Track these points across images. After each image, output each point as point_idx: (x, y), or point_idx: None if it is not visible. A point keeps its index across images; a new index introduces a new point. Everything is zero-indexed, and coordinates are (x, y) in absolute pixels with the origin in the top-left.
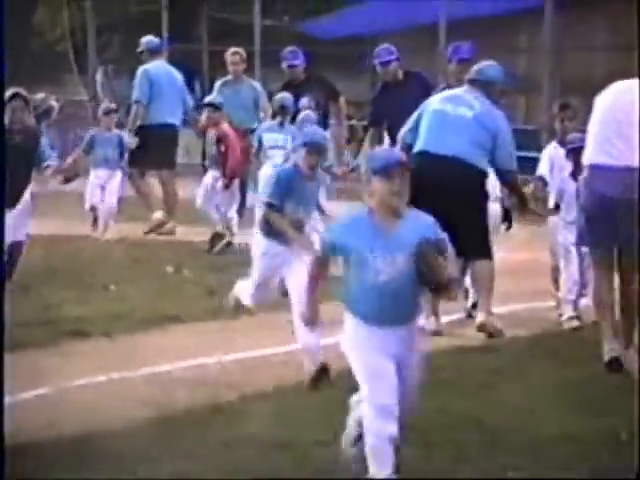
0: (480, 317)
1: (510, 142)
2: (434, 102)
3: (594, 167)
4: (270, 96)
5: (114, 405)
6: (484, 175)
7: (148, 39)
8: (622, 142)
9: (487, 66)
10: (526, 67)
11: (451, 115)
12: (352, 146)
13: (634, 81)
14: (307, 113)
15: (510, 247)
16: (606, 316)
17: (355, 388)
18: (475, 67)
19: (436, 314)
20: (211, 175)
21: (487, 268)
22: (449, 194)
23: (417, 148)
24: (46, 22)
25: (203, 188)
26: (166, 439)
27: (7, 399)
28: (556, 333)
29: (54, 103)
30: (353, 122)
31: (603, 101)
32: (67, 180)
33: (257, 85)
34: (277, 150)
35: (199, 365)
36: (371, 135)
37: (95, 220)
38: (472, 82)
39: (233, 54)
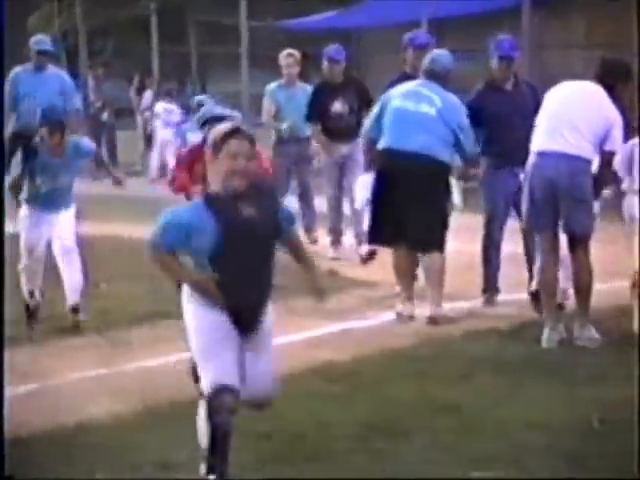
0: (431, 311)
1: (470, 129)
2: (394, 98)
3: (543, 154)
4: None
5: (104, 399)
6: (448, 169)
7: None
8: (572, 134)
9: (440, 55)
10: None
11: (414, 113)
12: None
13: (585, 82)
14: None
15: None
16: (549, 301)
17: (332, 379)
18: (428, 57)
19: (410, 299)
20: None
21: (439, 261)
22: (414, 188)
23: (383, 145)
24: (39, 27)
25: None
26: (153, 430)
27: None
28: (536, 322)
29: None
30: None
31: (555, 96)
32: None
33: (310, 89)
34: None
35: (187, 359)
36: None
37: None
38: (428, 73)
39: (287, 56)
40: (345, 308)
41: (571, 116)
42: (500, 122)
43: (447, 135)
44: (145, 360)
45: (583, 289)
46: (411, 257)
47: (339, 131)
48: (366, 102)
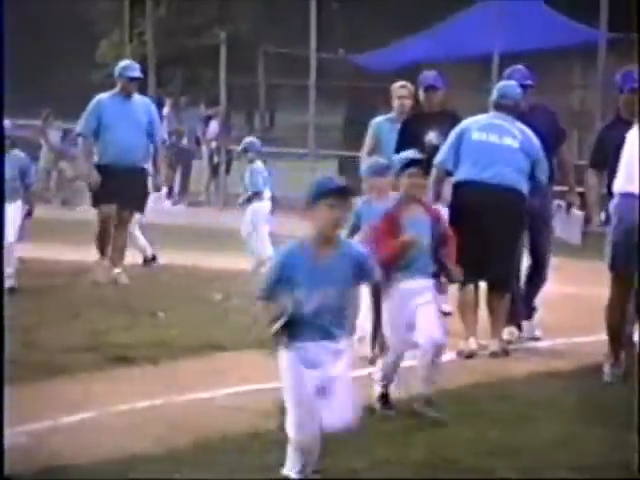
0: (493, 346)
1: (544, 160)
2: (473, 131)
3: (624, 195)
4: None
5: (156, 429)
6: (526, 202)
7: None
8: None
9: (510, 87)
10: (580, 103)
11: (499, 145)
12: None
13: None
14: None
15: (557, 281)
16: (612, 340)
17: (388, 417)
18: (497, 90)
19: (474, 336)
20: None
21: (508, 299)
22: (500, 222)
23: (465, 176)
24: (108, 55)
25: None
26: (205, 463)
27: (51, 422)
28: (595, 368)
29: None
30: None
31: (635, 133)
32: None
33: None
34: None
35: (239, 392)
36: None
37: None
38: (500, 105)
39: (401, 87)
40: None
41: None
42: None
43: (526, 167)
44: (198, 392)
45: None
46: (477, 294)
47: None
48: None
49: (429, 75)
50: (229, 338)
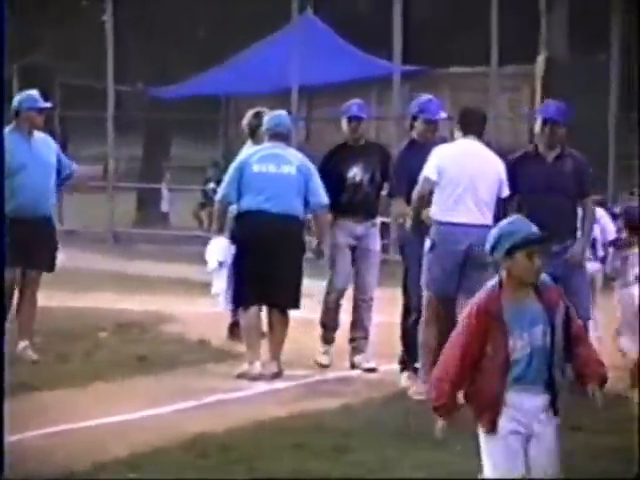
0: (272, 367)
1: (318, 179)
2: (253, 163)
3: (449, 224)
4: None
5: None
6: (303, 224)
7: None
8: (473, 202)
9: (282, 117)
10: (376, 133)
11: (277, 174)
12: None
13: (474, 142)
14: None
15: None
16: (426, 359)
17: (204, 454)
18: (270, 120)
19: (258, 358)
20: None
21: (288, 319)
22: (283, 248)
23: (249, 207)
24: None
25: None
26: None
27: None
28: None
29: None
30: None
31: (452, 159)
32: None
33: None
34: None
35: (50, 434)
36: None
37: None
38: (275, 134)
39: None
40: (217, 379)
41: (467, 182)
42: (535, 194)
43: (303, 189)
44: (10, 434)
45: None
46: (260, 317)
47: (356, 205)
48: (386, 172)
49: (352, 106)
50: (34, 377)
